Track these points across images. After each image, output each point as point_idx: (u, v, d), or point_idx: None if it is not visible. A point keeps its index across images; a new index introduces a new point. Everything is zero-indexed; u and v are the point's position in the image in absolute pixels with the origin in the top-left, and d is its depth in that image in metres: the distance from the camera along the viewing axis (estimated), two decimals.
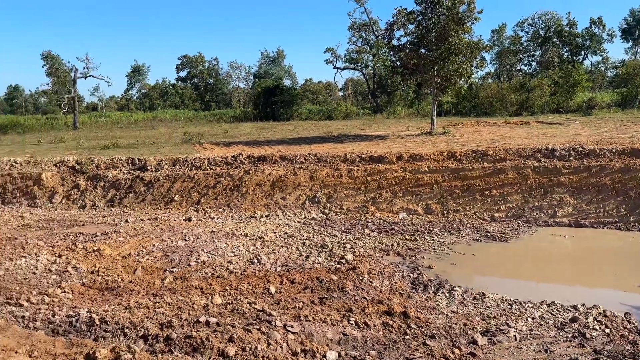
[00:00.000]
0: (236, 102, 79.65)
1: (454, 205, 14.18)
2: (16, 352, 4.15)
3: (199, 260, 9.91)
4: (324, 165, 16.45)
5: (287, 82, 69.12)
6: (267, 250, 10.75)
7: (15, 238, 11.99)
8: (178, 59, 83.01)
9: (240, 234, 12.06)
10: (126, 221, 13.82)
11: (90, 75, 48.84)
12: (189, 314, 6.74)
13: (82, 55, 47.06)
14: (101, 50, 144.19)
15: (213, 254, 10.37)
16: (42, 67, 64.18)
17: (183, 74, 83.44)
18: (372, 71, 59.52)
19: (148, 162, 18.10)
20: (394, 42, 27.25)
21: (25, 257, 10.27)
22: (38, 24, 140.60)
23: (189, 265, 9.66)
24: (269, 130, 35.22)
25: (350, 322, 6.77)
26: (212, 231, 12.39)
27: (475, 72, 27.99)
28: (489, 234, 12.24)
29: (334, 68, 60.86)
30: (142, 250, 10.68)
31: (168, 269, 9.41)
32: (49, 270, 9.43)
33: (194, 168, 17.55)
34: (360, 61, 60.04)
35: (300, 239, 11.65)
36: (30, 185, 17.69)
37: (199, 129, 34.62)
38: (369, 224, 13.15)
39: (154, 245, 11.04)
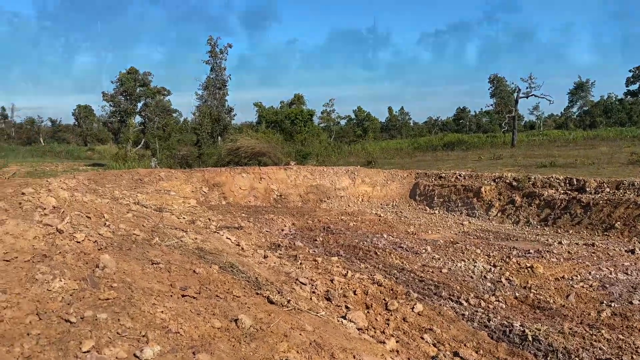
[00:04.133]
0: None
1: None
2: (465, 345, 4.78)
3: None
4: None
5: None
6: None
7: (457, 242, 13.67)
8: (630, 71, 74.06)
9: None
10: (560, 242, 13.44)
11: (532, 95, 49.89)
12: (632, 357, 5.97)
13: (526, 76, 48.50)
14: (543, 68, 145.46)
15: None
16: (488, 89, 70.15)
17: (634, 87, 73.94)
18: None
19: (587, 183, 16.99)
20: None
21: (464, 261, 11.60)
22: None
23: (630, 303, 8.50)
24: None
25: None
26: None
27: None
28: None
29: None
30: (576, 276, 10.15)
31: (605, 302, 8.58)
32: (484, 277, 10.29)
33: None
34: None
35: None
36: (470, 197, 19.76)
37: None
38: None
39: (589, 273, 10.30)
